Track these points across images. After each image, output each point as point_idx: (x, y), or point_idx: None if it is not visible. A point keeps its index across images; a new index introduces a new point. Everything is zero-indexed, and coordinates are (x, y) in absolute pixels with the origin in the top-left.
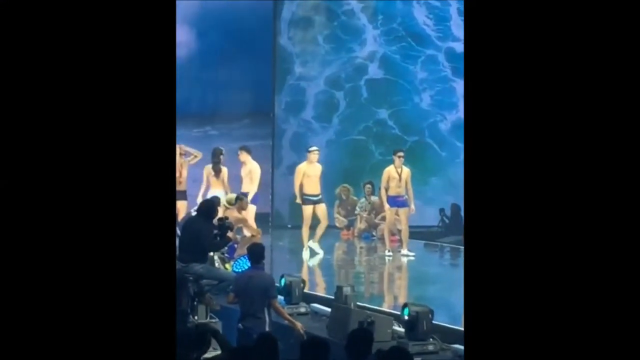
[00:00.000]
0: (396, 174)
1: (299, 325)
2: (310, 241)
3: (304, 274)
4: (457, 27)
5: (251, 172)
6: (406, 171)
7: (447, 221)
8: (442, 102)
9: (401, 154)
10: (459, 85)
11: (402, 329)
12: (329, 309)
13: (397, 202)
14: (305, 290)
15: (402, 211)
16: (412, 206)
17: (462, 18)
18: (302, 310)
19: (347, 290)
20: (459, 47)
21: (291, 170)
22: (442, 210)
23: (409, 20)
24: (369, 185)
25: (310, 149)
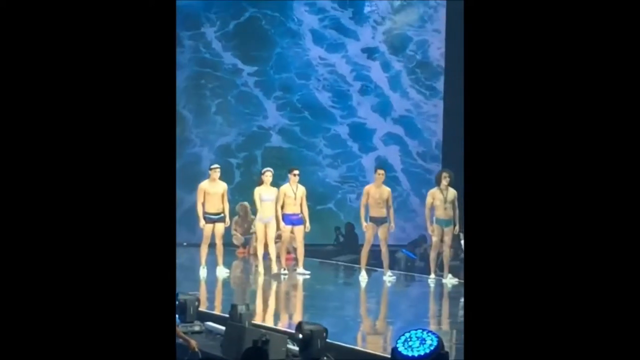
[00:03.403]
0: (292, 192)
1: (193, 342)
2: (218, 267)
3: (201, 292)
4: (359, 105)
5: None
6: (301, 189)
7: (342, 239)
8: (351, 177)
9: (296, 172)
10: (365, 161)
11: (296, 348)
12: (223, 327)
13: (292, 220)
14: (200, 309)
15: (298, 229)
16: (308, 224)
17: (365, 96)
18: (197, 328)
19: (241, 308)
20: (369, 123)
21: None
22: (337, 229)
23: (308, 95)
24: None
25: (212, 166)
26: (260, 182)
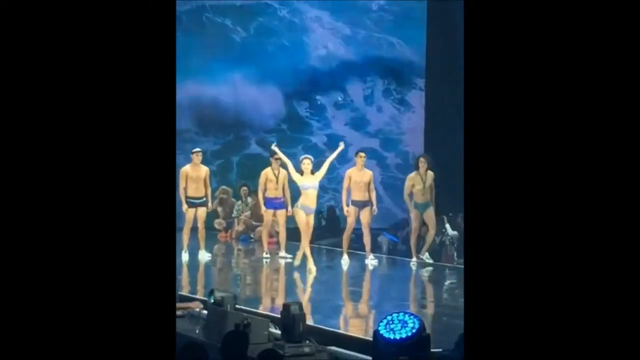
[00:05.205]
0: (273, 176)
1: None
2: (200, 251)
3: (183, 276)
4: (333, 119)
5: None
6: (283, 173)
7: (324, 223)
8: (331, 188)
9: (277, 156)
10: (343, 171)
11: (278, 331)
12: (205, 311)
13: (274, 204)
14: (183, 293)
15: (280, 213)
16: (290, 208)
17: (339, 110)
18: (179, 313)
19: (223, 292)
20: (349, 136)
21: None
22: (319, 213)
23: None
24: (244, 188)
25: (194, 150)
26: (301, 172)
